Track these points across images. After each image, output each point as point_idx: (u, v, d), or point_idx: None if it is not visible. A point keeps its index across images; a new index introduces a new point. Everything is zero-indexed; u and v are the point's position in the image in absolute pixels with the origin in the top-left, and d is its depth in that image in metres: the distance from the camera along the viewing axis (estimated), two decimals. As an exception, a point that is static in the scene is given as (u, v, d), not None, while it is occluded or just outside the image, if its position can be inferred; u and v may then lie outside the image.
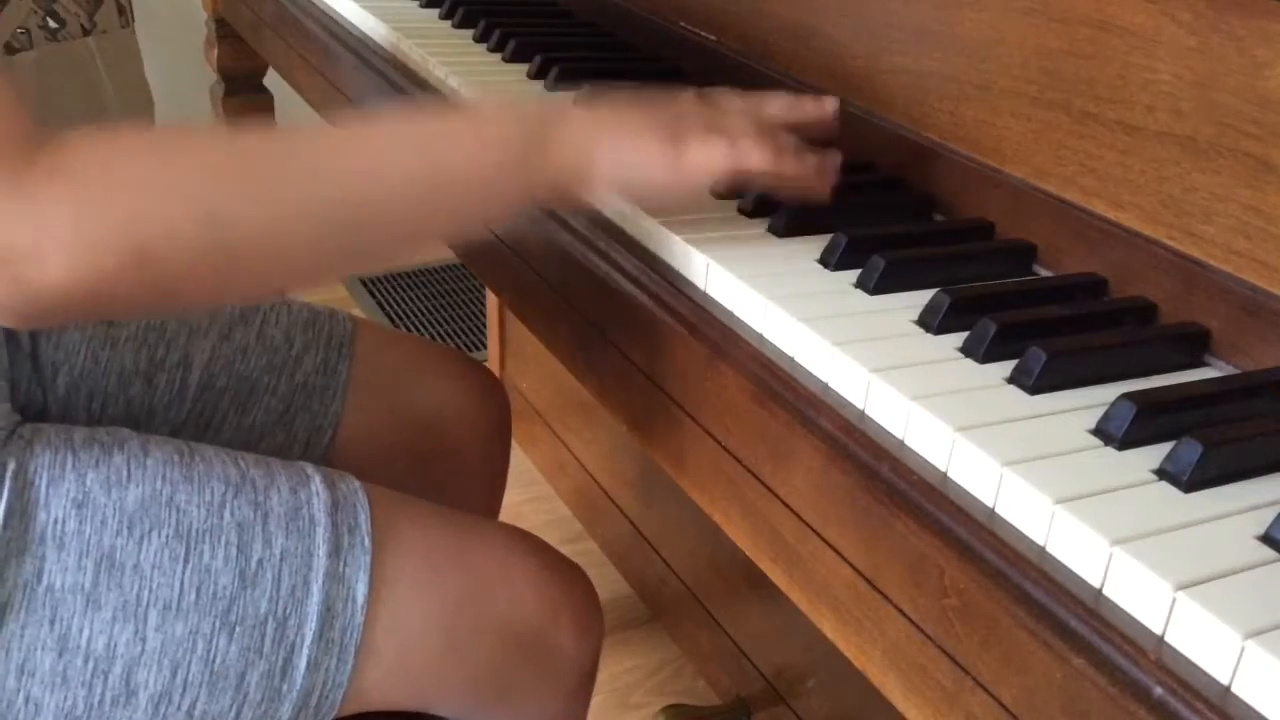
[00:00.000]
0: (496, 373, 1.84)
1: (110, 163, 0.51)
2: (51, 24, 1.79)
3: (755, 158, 0.61)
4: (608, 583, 1.55)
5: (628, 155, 0.59)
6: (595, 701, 0.86)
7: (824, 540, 0.51)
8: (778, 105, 0.66)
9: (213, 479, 0.67)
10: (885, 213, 0.72)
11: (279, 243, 0.54)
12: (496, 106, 0.62)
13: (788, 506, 0.53)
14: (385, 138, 0.58)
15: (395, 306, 2.32)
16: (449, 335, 2.23)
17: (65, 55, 1.85)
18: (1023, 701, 0.42)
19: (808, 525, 0.52)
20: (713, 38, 0.94)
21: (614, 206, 0.61)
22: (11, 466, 0.62)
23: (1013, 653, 0.42)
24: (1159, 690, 0.38)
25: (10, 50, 1.76)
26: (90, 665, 0.61)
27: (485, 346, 1.93)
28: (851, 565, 0.50)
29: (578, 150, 0.58)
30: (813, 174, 0.63)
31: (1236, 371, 0.57)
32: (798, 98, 0.67)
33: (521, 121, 0.59)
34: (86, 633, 0.61)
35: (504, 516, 0.97)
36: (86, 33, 1.84)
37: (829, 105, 0.67)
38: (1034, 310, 0.59)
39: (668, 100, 0.63)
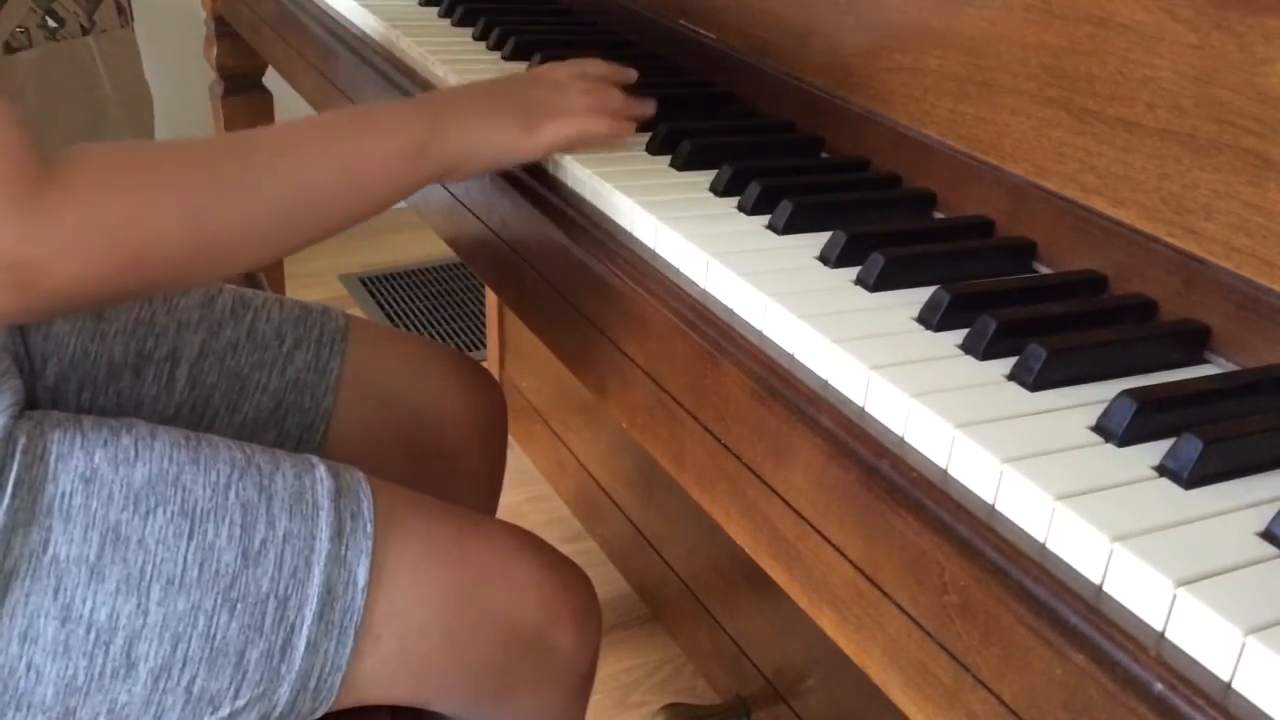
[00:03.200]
0: (496, 372, 1.84)
1: (110, 180, 0.59)
2: (51, 23, 1.79)
3: (594, 130, 0.77)
4: (607, 582, 1.55)
5: (494, 145, 0.74)
6: (595, 700, 0.86)
7: (824, 537, 0.51)
8: (600, 68, 0.82)
9: (219, 461, 0.67)
10: (885, 210, 0.72)
11: (244, 235, 0.65)
12: (409, 106, 0.75)
13: (787, 504, 0.53)
14: (317, 139, 0.69)
15: (395, 306, 2.32)
16: (449, 335, 2.23)
17: (64, 54, 1.85)
18: (1023, 698, 0.42)
19: (807, 522, 0.52)
20: (712, 35, 0.94)
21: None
22: (22, 441, 0.63)
23: (1013, 650, 0.42)
24: (1160, 686, 0.38)
25: (9, 49, 1.76)
26: (92, 636, 0.62)
27: (485, 345, 1.93)
28: (851, 562, 0.50)
29: (459, 143, 0.72)
30: (630, 129, 0.80)
31: (1237, 369, 0.56)
32: (616, 67, 0.84)
33: (422, 123, 0.71)
34: (90, 603, 0.62)
35: (503, 516, 0.96)
36: (86, 31, 1.84)
37: (630, 75, 0.86)
38: (1034, 307, 0.59)
39: (520, 86, 0.78)
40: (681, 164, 0.76)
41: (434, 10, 1.12)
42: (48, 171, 0.56)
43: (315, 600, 0.66)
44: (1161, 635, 0.39)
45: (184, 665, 0.64)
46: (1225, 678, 0.38)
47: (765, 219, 0.68)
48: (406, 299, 2.35)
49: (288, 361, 0.88)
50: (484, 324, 2.12)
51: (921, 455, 0.48)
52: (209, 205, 0.62)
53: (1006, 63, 0.68)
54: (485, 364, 1.47)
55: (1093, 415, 0.50)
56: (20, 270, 0.55)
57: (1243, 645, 0.37)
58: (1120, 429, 0.48)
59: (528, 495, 1.74)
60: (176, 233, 0.61)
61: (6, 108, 0.56)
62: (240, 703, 0.66)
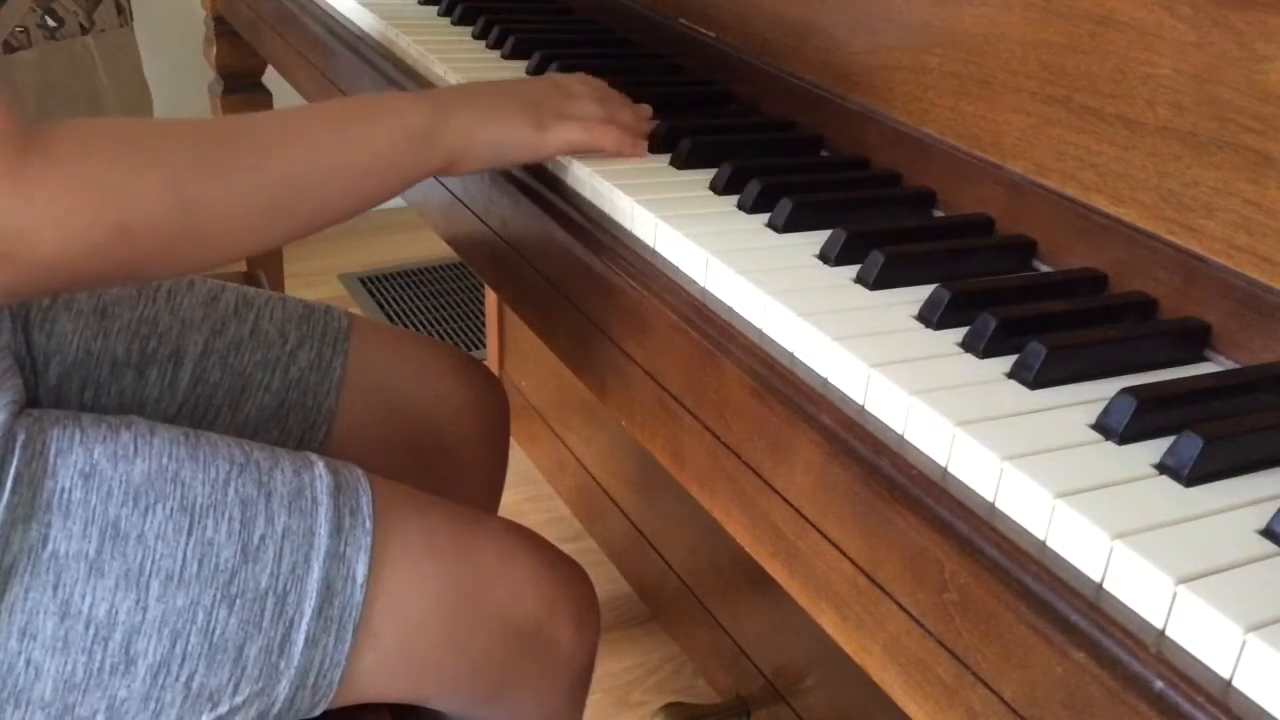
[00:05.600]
0: (495, 371, 1.84)
1: (95, 151, 0.58)
2: (50, 22, 1.79)
3: (606, 141, 0.75)
4: (607, 581, 1.55)
5: (501, 137, 0.72)
6: (594, 699, 0.86)
7: (824, 535, 0.51)
8: (615, 94, 0.80)
9: (218, 458, 0.67)
10: (885, 208, 0.72)
11: (235, 217, 0.63)
12: (416, 97, 0.73)
13: (787, 502, 0.53)
14: (318, 122, 0.68)
15: (394, 305, 2.32)
16: (448, 334, 2.23)
17: (64, 53, 1.85)
18: (1024, 696, 0.42)
19: (807, 520, 0.52)
20: (712, 34, 0.94)
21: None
22: (21, 437, 0.63)
23: (1013, 647, 0.42)
24: (1160, 684, 0.38)
25: (9, 49, 1.76)
26: (91, 632, 0.62)
27: (484, 345, 1.93)
28: (851, 560, 0.50)
29: (464, 135, 0.71)
30: (641, 150, 0.77)
31: (1237, 366, 0.56)
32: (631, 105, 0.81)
33: (427, 113, 0.70)
34: (89, 599, 0.62)
35: (503, 515, 0.96)
36: (85, 31, 1.84)
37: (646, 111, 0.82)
38: (1034, 305, 0.59)
39: (532, 85, 0.78)
40: (681, 162, 0.76)
41: (433, 9, 1.12)
42: (33, 141, 0.55)
43: (314, 596, 0.66)
44: (1162, 633, 0.39)
45: (183, 661, 0.64)
46: (1226, 675, 0.38)
47: (765, 217, 0.68)
48: (406, 299, 2.35)
49: (291, 360, 0.88)
50: (483, 323, 2.12)
51: (921, 453, 0.48)
52: (195, 181, 0.60)
53: (1006, 61, 0.68)
54: (485, 363, 1.47)
55: (1093, 413, 0.50)
56: (5, 241, 0.54)
57: (1243, 643, 0.37)
58: (1120, 427, 0.48)
59: (528, 495, 1.74)
60: (161, 206, 0.59)
61: None
62: (239, 699, 0.66)
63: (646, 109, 0.81)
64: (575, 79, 0.80)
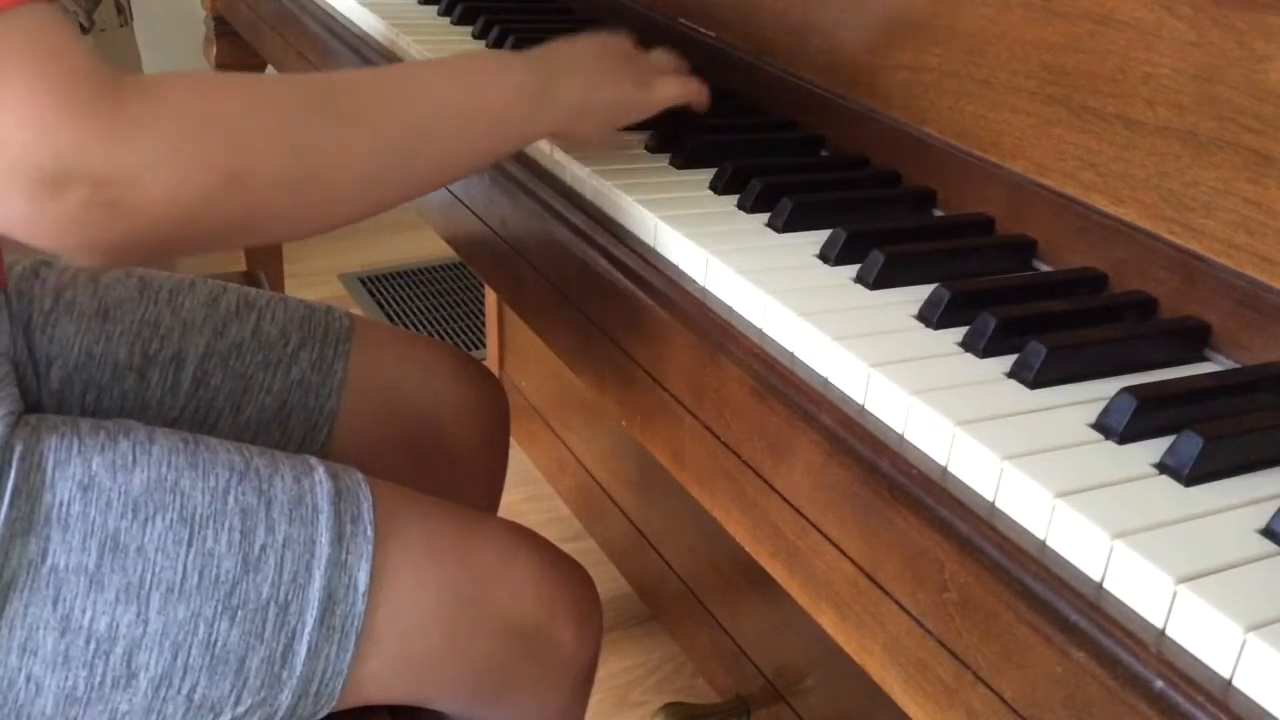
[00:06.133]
0: (495, 372, 1.84)
1: (203, 94, 0.55)
2: (50, 22, 1.78)
3: (699, 95, 0.78)
4: (607, 581, 1.55)
5: (616, 99, 0.73)
6: (594, 699, 0.86)
7: (824, 535, 0.51)
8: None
9: (217, 466, 0.67)
10: (885, 208, 0.72)
11: (350, 171, 0.60)
12: (518, 56, 0.71)
13: (787, 502, 0.53)
14: (435, 76, 0.67)
15: (394, 305, 2.32)
16: (448, 334, 2.23)
17: (64, 54, 1.85)
18: (1023, 695, 0.42)
19: (807, 520, 0.52)
20: (712, 34, 0.94)
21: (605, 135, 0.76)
22: (19, 449, 0.62)
23: (1013, 647, 0.42)
24: (1160, 683, 0.38)
25: (9, 49, 1.76)
26: (92, 646, 0.62)
27: (484, 345, 1.93)
28: (851, 560, 0.50)
29: (578, 96, 0.70)
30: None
31: (1236, 366, 0.56)
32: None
33: (536, 71, 0.69)
34: (89, 613, 0.62)
35: (504, 515, 0.96)
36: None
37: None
38: (1034, 305, 0.59)
39: (609, 45, 0.76)
40: (681, 162, 0.76)
41: (433, 9, 1.12)
42: (128, 87, 0.51)
43: (316, 605, 0.66)
44: (1162, 632, 0.39)
45: (184, 673, 0.64)
46: (1226, 675, 0.38)
47: (765, 217, 0.68)
48: (406, 299, 2.35)
49: (292, 362, 0.88)
50: (483, 324, 2.12)
51: (921, 453, 0.48)
52: (310, 138, 0.58)
53: (1006, 60, 0.68)
54: (485, 363, 1.47)
55: (1093, 413, 0.50)
56: (108, 188, 0.50)
57: (1243, 642, 0.37)
58: (1120, 426, 0.48)
59: (528, 495, 1.74)
60: (277, 151, 0.56)
61: (74, 32, 0.51)
62: (241, 709, 0.66)
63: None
64: (617, 37, 0.79)
